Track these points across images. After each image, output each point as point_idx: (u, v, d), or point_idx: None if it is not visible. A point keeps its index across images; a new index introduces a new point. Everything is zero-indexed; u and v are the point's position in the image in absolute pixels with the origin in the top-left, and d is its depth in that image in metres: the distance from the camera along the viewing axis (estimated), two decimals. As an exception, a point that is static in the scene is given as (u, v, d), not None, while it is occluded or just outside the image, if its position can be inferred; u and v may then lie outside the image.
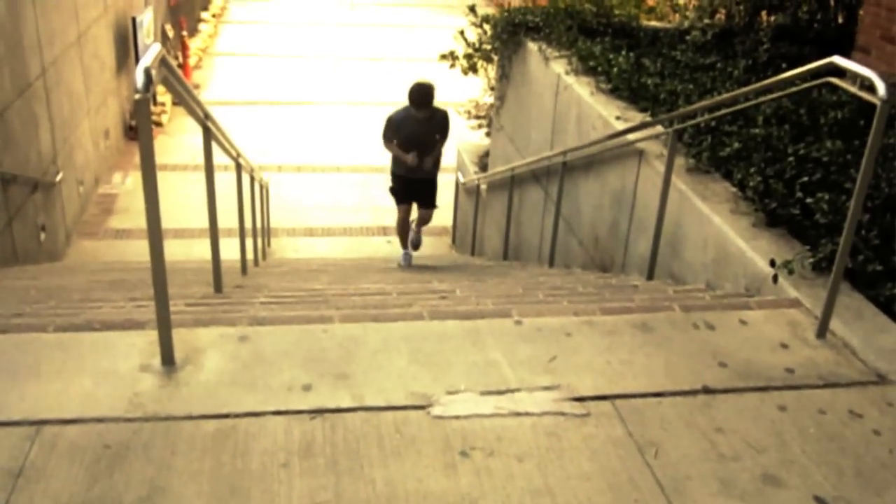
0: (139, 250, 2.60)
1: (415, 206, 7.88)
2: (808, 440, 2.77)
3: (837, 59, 3.39)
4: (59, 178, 9.00)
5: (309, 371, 3.00)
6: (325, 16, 22.38)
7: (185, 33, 15.84)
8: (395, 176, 7.62)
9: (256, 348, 3.14)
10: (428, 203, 7.74)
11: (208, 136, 4.24)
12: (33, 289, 5.40)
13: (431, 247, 6.44)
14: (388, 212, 11.29)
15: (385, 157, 13.36)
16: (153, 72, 2.60)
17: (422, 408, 2.81)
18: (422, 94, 6.98)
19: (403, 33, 20.66)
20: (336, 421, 2.72)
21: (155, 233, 2.73)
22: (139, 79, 2.52)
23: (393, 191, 7.71)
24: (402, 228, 7.92)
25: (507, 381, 3.01)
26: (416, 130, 7.15)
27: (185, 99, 3.57)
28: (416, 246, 8.17)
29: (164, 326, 2.92)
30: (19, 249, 7.74)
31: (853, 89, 3.27)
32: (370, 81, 16.96)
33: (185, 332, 3.17)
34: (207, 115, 4.21)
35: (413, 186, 7.59)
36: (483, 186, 9.85)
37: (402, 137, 7.22)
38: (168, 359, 2.96)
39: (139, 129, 2.68)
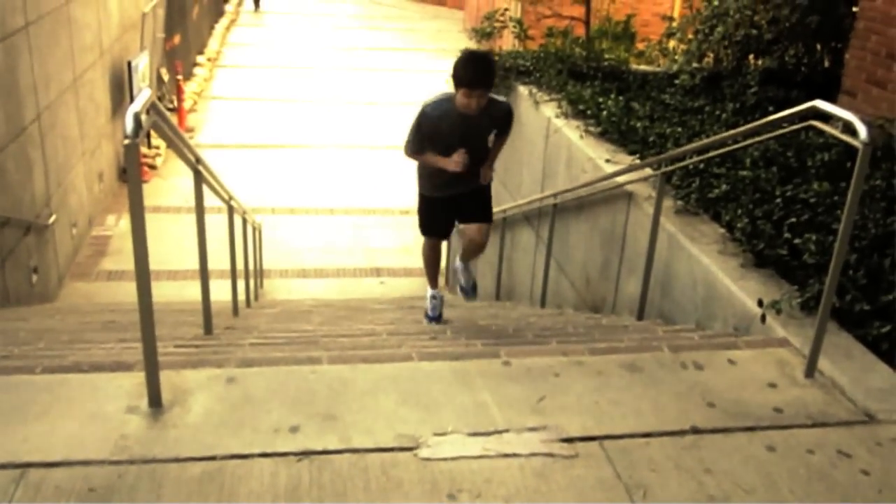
0: (132, 292, 2.61)
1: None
2: (797, 480, 2.77)
3: (820, 103, 3.44)
4: (52, 220, 9.01)
5: (296, 413, 2.99)
6: (319, 60, 22.62)
7: (180, 77, 15.97)
8: (427, 200, 5.19)
9: (244, 390, 3.14)
10: (481, 215, 5.12)
11: (199, 179, 4.27)
12: (23, 330, 5.39)
13: (422, 288, 6.42)
14: (381, 253, 11.35)
15: (378, 199, 13.35)
16: (143, 117, 2.63)
17: (409, 449, 2.80)
18: (480, 67, 4.47)
19: (396, 77, 20.87)
20: (323, 463, 2.71)
21: (143, 275, 2.74)
22: (129, 124, 2.55)
23: (424, 223, 5.29)
24: (431, 258, 5.46)
25: (496, 422, 3.01)
26: (462, 132, 4.67)
27: (176, 144, 3.60)
28: (472, 289, 5.63)
29: (152, 368, 2.92)
30: (11, 291, 7.73)
31: (835, 132, 3.32)
32: (363, 125, 17.09)
33: (172, 374, 3.17)
34: (199, 159, 4.24)
35: (455, 205, 5.11)
36: (475, 228, 9.88)
37: (438, 142, 4.75)
38: (155, 401, 2.96)
39: (129, 173, 2.70)
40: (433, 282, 5.53)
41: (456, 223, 5.38)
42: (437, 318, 5.49)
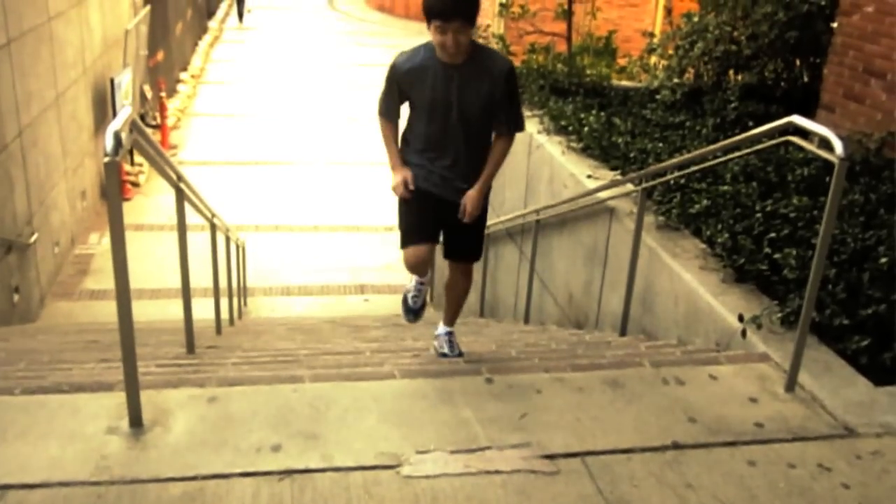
0: (114, 311, 2.60)
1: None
2: (778, 495, 2.78)
3: (797, 119, 3.47)
4: (33, 239, 8.95)
5: (278, 431, 2.98)
6: (303, 76, 22.64)
7: (163, 94, 15.94)
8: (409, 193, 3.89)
9: (226, 409, 3.13)
10: (467, 251, 4.13)
11: (181, 197, 4.26)
12: (3, 351, 5.35)
13: (406, 305, 6.38)
14: (365, 271, 11.33)
15: (363, 216, 13.26)
16: (123, 135, 2.64)
17: (391, 467, 2.80)
18: None
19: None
20: (305, 482, 2.70)
21: (123, 294, 2.73)
22: (109, 142, 2.56)
23: (404, 223, 3.96)
24: (416, 261, 3.97)
25: (478, 439, 3.01)
26: (450, 93, 3.63)
27: (157, 162, 3.60)
28: (452, 349, 4.29)
29: (133, 388, 2.91)
30: (-8, 311, 7.68)
31: (812, 147, 3.35)
32: (347, 142, 17.10)
33: (153, 394, 3.16)
34: (180, 177, 4.24)
35: (442, 213, 3.90)
36: (459, 244, 9.90)
37: (421, 107, 3.73)
38: (136, 421, 2.94)
39: (109, 192, 2.70)
40: (421, 271, 4.15)
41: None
42: (416, 311, 4.32)
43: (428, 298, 4.87)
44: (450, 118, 3.69)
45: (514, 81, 3.73)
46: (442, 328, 4.34)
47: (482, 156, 3.88)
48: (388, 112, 3.86)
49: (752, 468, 2.92)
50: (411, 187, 3.78)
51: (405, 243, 3.95)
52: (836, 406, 3.35)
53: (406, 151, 3.91)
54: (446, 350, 4.27)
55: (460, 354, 4.25)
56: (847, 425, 3.23)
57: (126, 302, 2.75)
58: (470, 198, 3.85)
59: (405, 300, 4.37)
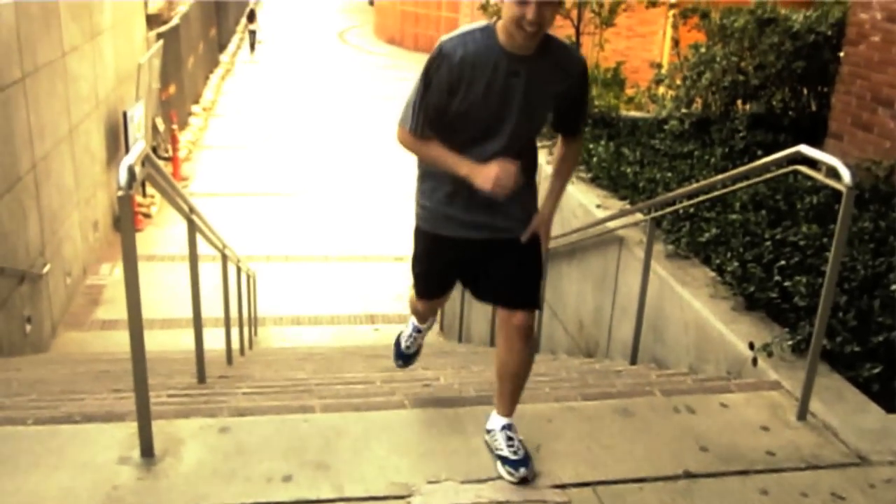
0: (125, 341, 2.61)
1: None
2: (791, 525, 2.77)
3: (804, 148, 3.49)
4: (46, 269, 9.02)
5: (289, 461, 2.98)
6: (313, 108, 22.81)
7: (175, 127, 16.09)
8: (429, 239, 3.10)
9: (237, 439, 3.13)
10: (523, 290, 2.94)
11: (193, 228, 4.30)
12: (15, 381, 5.37)
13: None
14: (375, 300, 11.34)
15: (372, 246, 13.31)
16: (137, 169, 2.67)
17: (402, 497, 2.80)
18: None
19: (389, 125, 21.02)
20: (315, 512, 2.70)
21: (135, 324, 2.75)
22: (122, 176, 2.59)
23: (417, 277, 3.30)
24: (427, 311, 3.61)
25: (489, 469, 3.00)
26: (509, 89, 2.73)
27: (170, 194, 3.64)
28: (515, 449, 2.98)
29: (144, 418, 2.92)
30: (4, 341, 7.71)
31: (820, 176, 3.36)
32: (357, 172, 17.19)
33: (165, 424, 3.17)
34: (192, 209, 4.28)
35: (474, 257, 3.02)
36: (469, 274, 9.92)
37: (467, 117, 2.78)
38: (147, 451, 2.95)
39: (122, 224, 2.73)
40: (421, 318, 3.69)
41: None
42: (408, 357, 3.87)
43: (436, 326, 4.78)
44: (502, 128, 2.79)
45: (587, 78, 2.95)
46: (496, 419, 3.11)
47: (531, 172, 3.00)
48: (421, 127, 2.83)
49: (764, 497, 2.91)
50: (509, 171, 2.70)
51: (422, 295, 3.36)
52: (849, 434, 3.33)
53: (427, 183, 3.02)
54: (504, 450, 2.96)
55: (526, 461, 2.94)
56: (860, 453, 3.22)
57: (139, 332, 2.77)
58: (542, 219, 3.02)
59: (398, 343, 3.84)
